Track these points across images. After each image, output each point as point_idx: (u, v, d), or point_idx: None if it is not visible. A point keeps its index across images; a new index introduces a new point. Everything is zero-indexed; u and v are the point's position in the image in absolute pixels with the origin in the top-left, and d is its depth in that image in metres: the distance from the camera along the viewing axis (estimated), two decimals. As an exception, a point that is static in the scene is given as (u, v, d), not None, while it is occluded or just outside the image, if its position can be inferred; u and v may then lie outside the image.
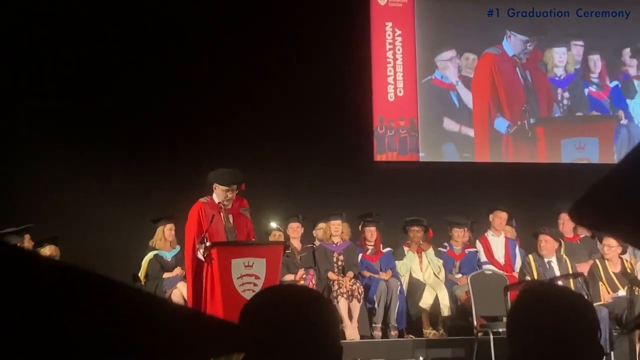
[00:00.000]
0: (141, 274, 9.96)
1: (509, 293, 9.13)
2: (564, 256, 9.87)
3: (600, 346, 2.16)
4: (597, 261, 9.63)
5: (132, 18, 11.18)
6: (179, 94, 11.25)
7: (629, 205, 1.03)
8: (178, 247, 9.79)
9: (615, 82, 12.96)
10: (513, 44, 12.68)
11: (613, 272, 9.46)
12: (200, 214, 8.00)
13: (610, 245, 9.51)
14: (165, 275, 9.87)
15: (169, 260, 9.96)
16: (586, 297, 9.11)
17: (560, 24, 12.78)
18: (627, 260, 9.67)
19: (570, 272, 9.49)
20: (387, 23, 12.35)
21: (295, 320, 1.95)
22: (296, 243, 10.18)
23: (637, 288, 8.59)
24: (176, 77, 11.27)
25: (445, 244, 10.59)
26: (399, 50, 12.29)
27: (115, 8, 11.12)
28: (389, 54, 12.26)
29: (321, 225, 10.44)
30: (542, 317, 2.12)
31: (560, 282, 8.68)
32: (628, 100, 12.93)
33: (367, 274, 9.98)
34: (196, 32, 11.40)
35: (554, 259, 9.73)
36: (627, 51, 13.00)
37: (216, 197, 8.19)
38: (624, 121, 12.85)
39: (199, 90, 11.33)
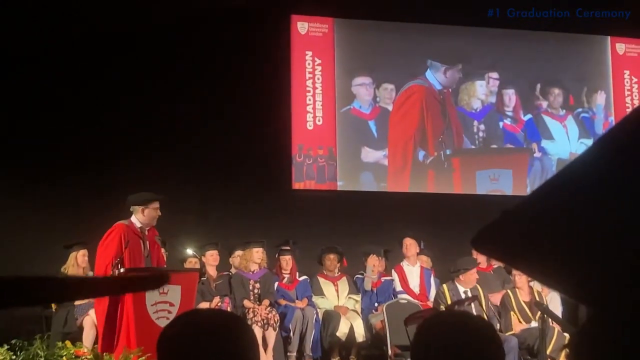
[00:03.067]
0: (52, 301, 9.72)
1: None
2: (477, 286, 10.00)
3: None
4: (509, 291, 9.78)
5: (59, 43, 11.02)
6: (92, 121, 11.10)
7: (530, 238, 1.04)
8: (91, 274, 9.58)
9: (529, 116, 13.26)
10: (435, 75, 12.89)
11: (524, 302, 9.61)
12: (122, 237, 7.83)
13: (518, 274, 9.67)
14: (77, 302, 9.66)
15: (82, 286, 9.73)
16: (497, 325, 9.27)
17: (478, 57, 13.05)
18: (537, 291, 9.84)
19: (483, 301, 9.60)
20: (307, 52, 12.42)
21: (212, 347, 1.92)
22: (212, 270, 10.09)
23: (548, 318, 8.74)
24: (90, 103, 11.13)
25: (362, 272, 10.63)
26: (318, 79, 12.36)
27: (43, 30, 10.95)
28: (309, 82, 12.33)
29: (238, 252, 10.38)
30: (443, 345, 2.11)
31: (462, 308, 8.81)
32: (541, 135, 13.24)
33: (283, 302, 9.95)
34: (115, 59, 11.29)
35: (468, 289, 9.84)
36: (539, 86, 13.33)
37: (138, 221, 8.06)
38: (537, 154, 13.13)
39: (112, 117, 11.18)
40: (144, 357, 6.84)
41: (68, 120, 10.99)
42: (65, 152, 10.91)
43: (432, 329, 2.19)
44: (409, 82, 12.78)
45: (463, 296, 9.73)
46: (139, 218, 8.06)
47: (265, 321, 9.42)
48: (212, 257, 10.17)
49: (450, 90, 12.97)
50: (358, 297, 10.33)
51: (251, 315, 9.43)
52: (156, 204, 8.10)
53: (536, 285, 10.03)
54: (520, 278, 9.68)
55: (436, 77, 12.92)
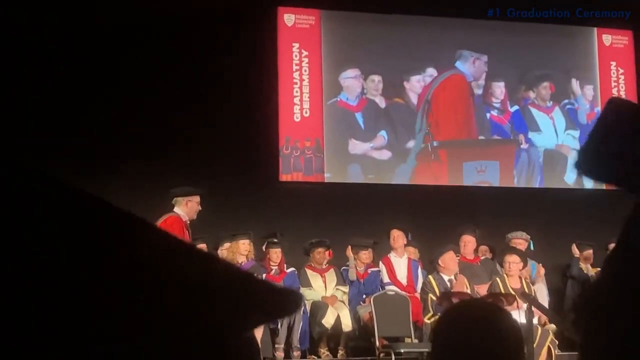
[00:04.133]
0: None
1: (411, 313, 9.25)
2: (463, 276, 9.96)
3: None
4: (498, 279, 9.75)
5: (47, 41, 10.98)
6: (79, 116, 11.06)
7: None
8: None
9: (515, 107, 13.27)
10: (464, 65, 13.00)
11: (512, 288, 9.54)
12: (184, 230, 8.01)
13: (513, 262, 9.62)
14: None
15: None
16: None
17: (466, 49, 13.07)
18: (526, 281, 9.84)
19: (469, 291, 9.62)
20: (294, 44, 12.40)
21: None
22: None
23: (535, 308, 8.76)
24: (77, 99, 11.08)
25: (349, 263, 10.64)
26: (305, 71, 12.35)
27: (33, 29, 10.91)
28: (296, 74, 12.31)
29: (226, 244, 10.36)
30: (468, 334, 2.10)
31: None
32: (528, 126, 13.26)
33: (270, 294, 9.92)
34: (101, 53, 11.24)
35: (452, 277, 9.82)
36: (526, 78, 13.33)
37: (185, 213, 8.21)
38: (524, 145, 13.15)
39: (98, 112, 11.12)
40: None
41: (56, 116, 10.94)
42: (56, 149, 10.85)
43: (453, 320, 2.20)
44: (448, 72, 12.88)
45: (448, 285, 9.72)
46: (183, 210, 8.19)
47: (252, 313, 9.40)
48: (203, 251, 10.16)
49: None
50: (346, 289, 10.34)
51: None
52: (198, 198, 8.34)
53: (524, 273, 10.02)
54: (512, 266, 9.64)
55: (465, 67, 13.04)
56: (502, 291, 9.54)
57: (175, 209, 8.29)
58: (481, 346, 2.07)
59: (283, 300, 0.80)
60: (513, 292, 9.55)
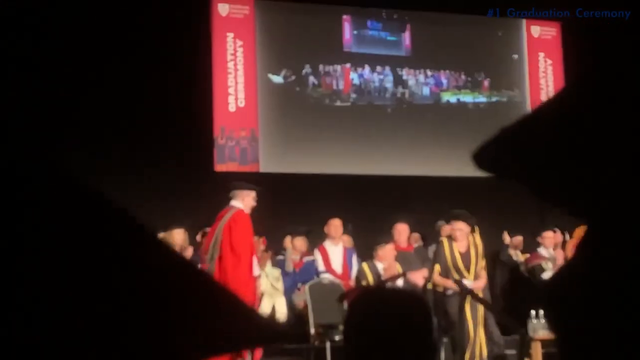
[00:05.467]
0: None
1: (345, 300, 9.31)
2: (397, 264, 10.06)
3: (432, 347, 2.23)
4: (445, 240, 9.51)
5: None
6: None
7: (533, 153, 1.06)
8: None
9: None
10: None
11: (459, 252, 9.36)
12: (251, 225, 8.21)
13: (460, 229, 9.38)
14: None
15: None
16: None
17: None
18: (474, 238, 9.55)
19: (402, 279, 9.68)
20: (228, 34, 12.39)
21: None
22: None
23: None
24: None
25: (285, 253, 10.69)
26: (240, 61, 12.35)
27: None
28: (230, 64, 12.31)
29: (161, 235, 10.31)
30: (374, 320, 2.15)
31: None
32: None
33: (206, 283, 9.90)
34: (26, 36, 11.10)
35: (386, 265, 9.89)
36: (453, 70, 13.53)
37: (247, 206, 8.37)
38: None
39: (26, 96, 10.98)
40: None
41: None
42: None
43: (363, 305, 2.24)
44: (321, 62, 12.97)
45: (381, 272, 9.81)
46: (242, 204, 8.36)
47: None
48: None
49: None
50: (277, 272, 10.33)
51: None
52: (255, 193, 8.53)
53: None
54: (460, 232, 9.40)
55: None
56: (448, 255, 9.26)
57: (235, 203, 8.43)
58: (386, 329, 2.12)
59: (251, 338, 0.85)
60: (459, 256, 9.34)
